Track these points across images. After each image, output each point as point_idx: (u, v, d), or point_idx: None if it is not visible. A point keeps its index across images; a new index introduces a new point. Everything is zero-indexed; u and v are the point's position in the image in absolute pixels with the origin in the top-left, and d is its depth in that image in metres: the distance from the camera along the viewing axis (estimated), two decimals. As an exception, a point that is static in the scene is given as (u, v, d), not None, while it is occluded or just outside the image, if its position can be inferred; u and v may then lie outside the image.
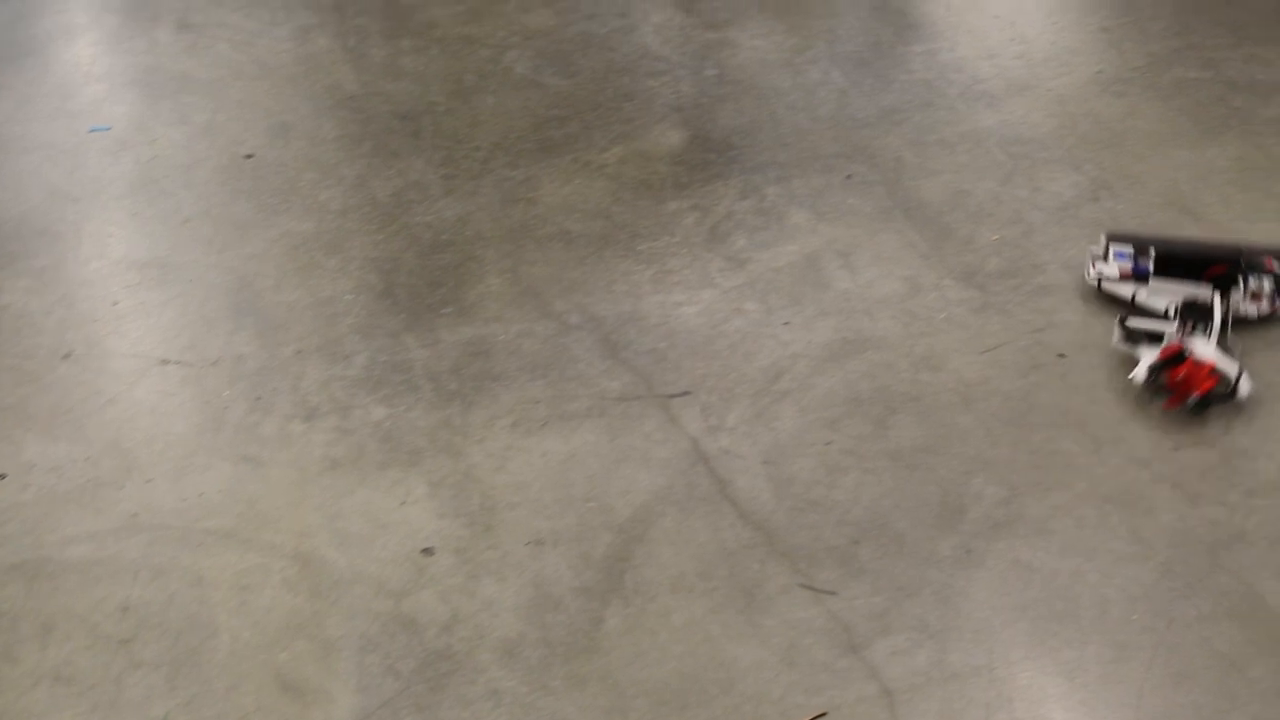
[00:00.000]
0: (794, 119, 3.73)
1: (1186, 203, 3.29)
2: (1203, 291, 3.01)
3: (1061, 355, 2.92)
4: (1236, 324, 2.96)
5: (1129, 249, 3.08)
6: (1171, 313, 2.98)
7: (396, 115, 3.82)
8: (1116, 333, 2.94)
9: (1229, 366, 2.82)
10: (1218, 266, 3.01)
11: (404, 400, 2.93)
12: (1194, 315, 2.96)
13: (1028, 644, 2.34)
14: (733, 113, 3.77)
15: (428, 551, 2.59)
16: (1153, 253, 3.06)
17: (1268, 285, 2.99)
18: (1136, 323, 2.95)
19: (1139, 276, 3.07)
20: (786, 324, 3.07)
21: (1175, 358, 2.81)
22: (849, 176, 3.49)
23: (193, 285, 3.26)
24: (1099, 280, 3.10)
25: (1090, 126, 3.59)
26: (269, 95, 3.95)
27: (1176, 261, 3.05)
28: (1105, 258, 3.10)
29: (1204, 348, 2.85)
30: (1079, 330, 2.98)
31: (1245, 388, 2.79)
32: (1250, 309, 2.99)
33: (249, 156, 3.69)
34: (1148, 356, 2.85)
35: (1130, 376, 2.84)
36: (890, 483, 2.67)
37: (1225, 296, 2.98)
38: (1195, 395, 2.76)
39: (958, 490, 2.64)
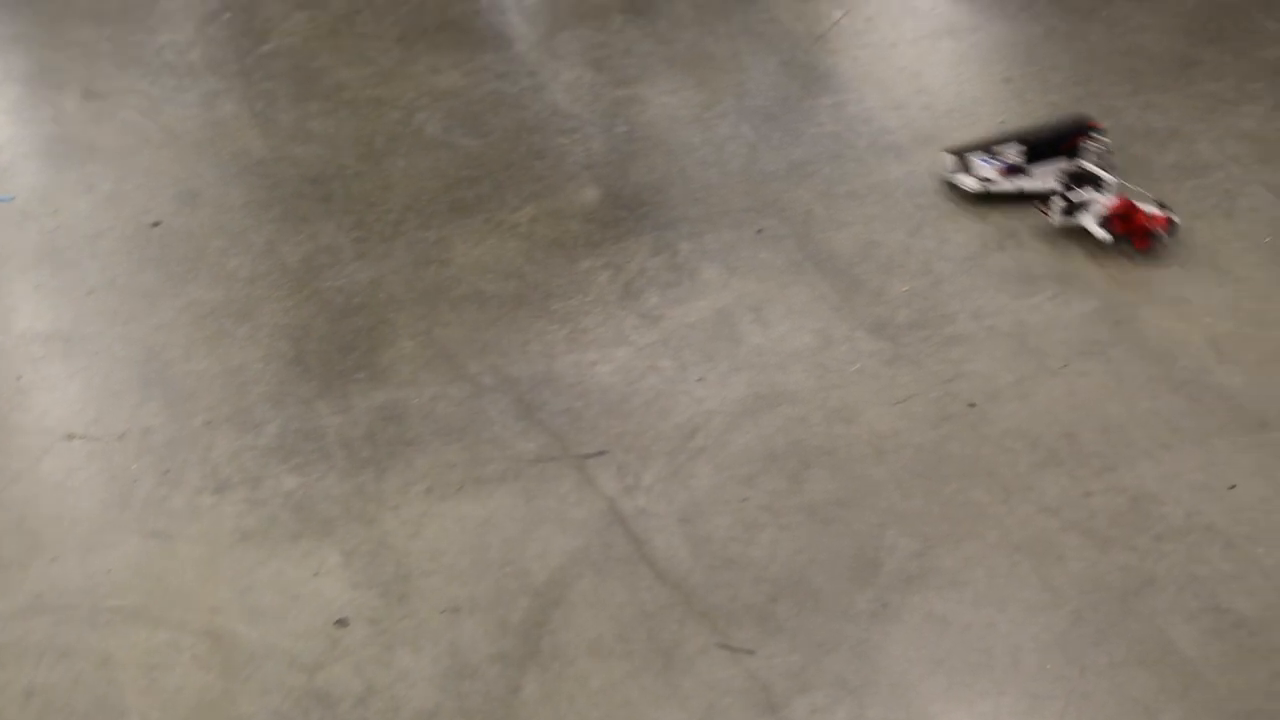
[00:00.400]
0: (704, 174, 3.75)
1: (1090, 249, 3.34)
2: (1064, 163, 3.51)
3: (971, 405, 2.95)
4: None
5: (986, 154, 3.58)
6: (1063, 186, 3.42)
7: (306, 179, 3.80)
8: (1057, 210, 3.37)
9: (1154, 207, 3.35)
10: (1073, 139, 3.55)
11: (316, 469, 2.90)
12: (1081, 181, 3.43)
13: (944, 697, 2.35)
14: (644, 169, 3.79)
15: (341, 623, 2.56)
16: (1018, 147, 3.57)
17: (1101, 144, 3.55)
18: (1074, 196, 3.38)
19: (1014, 171, 3.55)
20: (701, 380, 3.07)
21: (1128, 209, 3.32)
22: (760, 230, 3.51)
23: (99, 357, 3.21)
24: (986, 186, 3.53)
25: (995, 176, 3.64)
26: (176, 162, 3.91)
27: (1042, 146, 3.57)
28: (967, 170, 3.57)
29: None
30: (988, 380, 3.01)
31: (1178, 218, 3.33)
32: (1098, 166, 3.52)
33: (156, 225, 3.65)
34: (1091, 219, 3.35)
35: (1100, 239, 3.31)
36: (806, 538, 2.68)
37: (1086, 159, 3.53)
38: (1159, 229, 3.30)
39: (873, 544, 2.65)
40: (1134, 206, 3.32)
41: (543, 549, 2.69)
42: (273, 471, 2.89)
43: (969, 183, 3.54)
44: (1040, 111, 3.86)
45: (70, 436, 3.00)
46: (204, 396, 3.09)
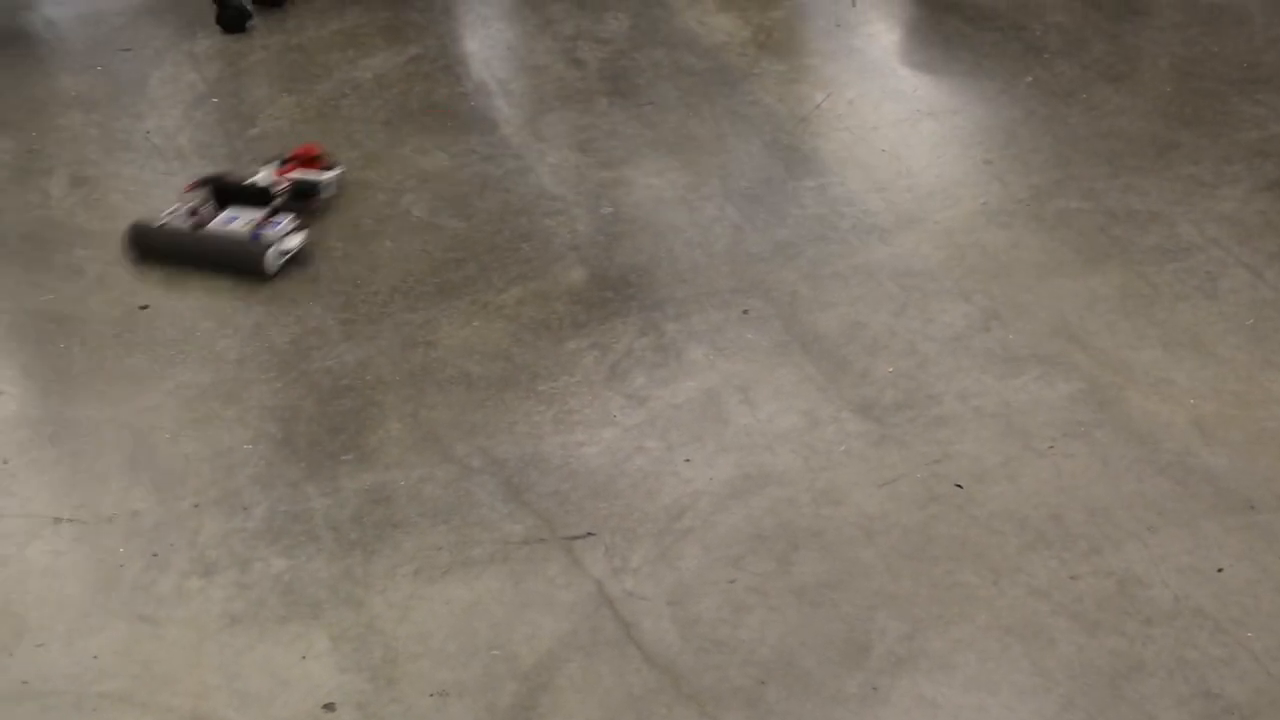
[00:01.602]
0: (691, 255, 3.78)
1: (1073, 331, 3.37)
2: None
3: (959, 486, 2.96)
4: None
5: (199, 210, 3.98)
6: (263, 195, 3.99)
7: (293, 261, 3.82)
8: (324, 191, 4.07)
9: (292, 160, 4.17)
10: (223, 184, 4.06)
11: (305, 551, 2.89)
12: (253, 191, 4.01)
13: (936, 782, 2.35)
14: (630, 250, 3.82)
15: (329, 708, 2.55)
16: (207, 199, 4.01)
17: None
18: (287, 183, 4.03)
19: (224, 203, 4.00)
20: (688, 461, 3.08)
21: (295, 159, 4.14)
22: (746, 311, 3.54)
23: (86, 441, 3.21)
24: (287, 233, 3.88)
25: (978, 258, 3.68)
26: (164, 244, 3.92)
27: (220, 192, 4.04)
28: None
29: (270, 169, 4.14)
30: (975, 461, 3.02)
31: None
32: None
33: (144, 308, 3.66)
34: (309, 180, 4.05)
35: (324, 180, 4.07)
36: (795, 620, 2.68)
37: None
38: (317, 153, 4.16)
39: (862, 626, 2.65)
40: (296, 159, 4.12)
41: (531, 632, 2.68)
42: (261, 554, 2.89)
43: (281, 252, 3.80)
44: (1022, 194, 3.91)
45: (57, 520, 2.99)
46: (192, 479, 3.09)
